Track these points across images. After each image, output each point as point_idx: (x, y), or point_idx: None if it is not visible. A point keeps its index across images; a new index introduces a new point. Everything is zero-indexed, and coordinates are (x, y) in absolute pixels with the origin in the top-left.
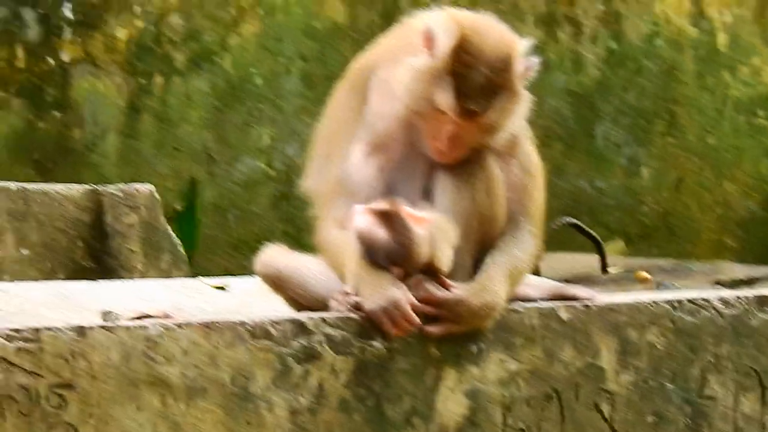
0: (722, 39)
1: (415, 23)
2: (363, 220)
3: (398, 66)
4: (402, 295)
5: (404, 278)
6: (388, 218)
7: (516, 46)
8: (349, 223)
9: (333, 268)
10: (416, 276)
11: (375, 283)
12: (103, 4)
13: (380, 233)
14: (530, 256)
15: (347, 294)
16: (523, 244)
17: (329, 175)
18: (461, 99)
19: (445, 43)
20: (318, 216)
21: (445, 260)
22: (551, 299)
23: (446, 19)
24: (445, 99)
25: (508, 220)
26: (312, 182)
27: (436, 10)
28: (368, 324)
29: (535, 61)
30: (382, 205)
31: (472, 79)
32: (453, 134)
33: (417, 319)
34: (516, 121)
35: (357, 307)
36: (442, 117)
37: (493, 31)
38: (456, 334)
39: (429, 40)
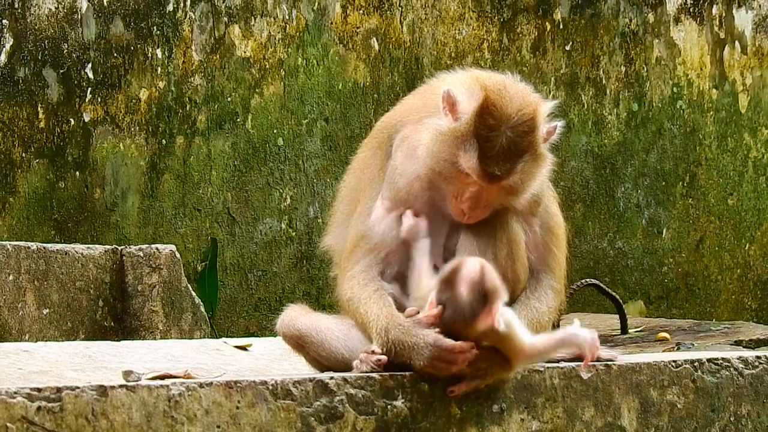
0: (743, 101)
1: (439, 84)
2: (476, 267)
3: (422, 126)
4: (436, 337)
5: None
6: (485, 292)
7: (540, 109)
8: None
9: (356, 324)
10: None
11: (404, 339)
12: (125, 64)
13: (466, 291)
14: (551, 309)
15: (372, 352)
16: (544, 299)
17: (351, 231)
18: (485, 162)
19: (469, 106)
20: (339, 272)
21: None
22: (573, 359)
23: (470, 81)
24: (468, 162)
25: (530, 277)
26: (334, 239)
27: (460, 72)
28: (391, 383)
29: (559, 124)
30: (495, 277)
31: (496, 142)
32: (476, 196)
33: (467, 344)
34: (539, 182)
35: (379, 365)
36: (466, 179)
37: (516, 94)
38: (479, 389)
39: (452, 102)
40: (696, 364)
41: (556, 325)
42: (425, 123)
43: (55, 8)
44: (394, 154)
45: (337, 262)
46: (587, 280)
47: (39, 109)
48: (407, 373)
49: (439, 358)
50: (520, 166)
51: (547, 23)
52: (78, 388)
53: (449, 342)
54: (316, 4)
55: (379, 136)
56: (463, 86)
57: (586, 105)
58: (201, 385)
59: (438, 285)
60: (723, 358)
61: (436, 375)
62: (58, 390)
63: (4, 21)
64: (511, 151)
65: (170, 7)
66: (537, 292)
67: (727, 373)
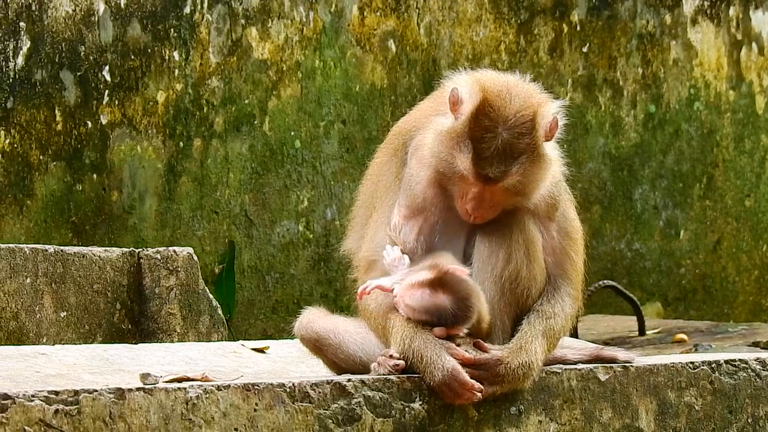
0: (760, 102)
1: (451, 85)
2: (411, 297)
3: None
4: (456, 366)
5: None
6: (442, 281)
7: (541, 109)
8: (393, 301)
9: (373, 331)
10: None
11: (425, 354)
12: (142, 67)
13: (441, 299)
14: (568, 317)
15: (390, 356)
16: (561, 306)
17: (370, 238)
18: (479, 164)
19: (466, 107)
20: (358, 278)
21: (485, 316)
22: (590, 361)
23: (470, 82)
24: (464, 163)
25: (548, 282)
26: (352, 244)
27: (471, 72)
28: (409, 385)
29: (560, 117)
30: (429, 273)
31: (491, 143)
32: (478, 196)
33: (478, 385)
34: (546, 183)
35: (397, 369)
36: (466, 179)
37: (519, 95)
38: (496, 395)
39: (456, 101)
40: (713, 365)
41: (574, 333)
42: (433, 122)
43: (72, 11)
44: (409, 161)
45: (356, 267)
46: (605, 281)
47: (56, 111)
48: None
49: (450, 386)
50: (516, 168)
51: (564, 25)
52: (95, 391)
53: (465, 377)
54: (333, 6)
55: (394, 142)
56: (467, 86)
57: (603, 107)
58: (218, 388)
59: (420, 289)
60: (740, 360)
61: (440, 397)
62: (76, 393)
63: (22, 23)
64: (506, 153)
65: (187, 10)
66: (554, 299)
67: (745, 374)
